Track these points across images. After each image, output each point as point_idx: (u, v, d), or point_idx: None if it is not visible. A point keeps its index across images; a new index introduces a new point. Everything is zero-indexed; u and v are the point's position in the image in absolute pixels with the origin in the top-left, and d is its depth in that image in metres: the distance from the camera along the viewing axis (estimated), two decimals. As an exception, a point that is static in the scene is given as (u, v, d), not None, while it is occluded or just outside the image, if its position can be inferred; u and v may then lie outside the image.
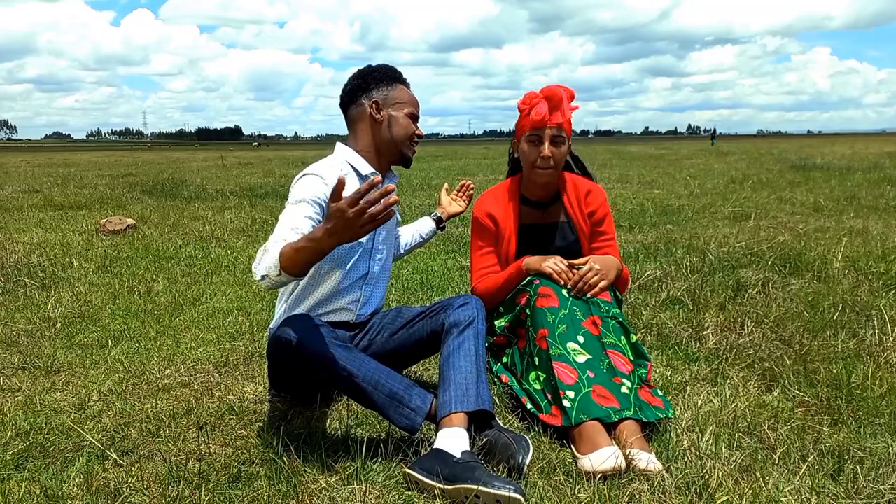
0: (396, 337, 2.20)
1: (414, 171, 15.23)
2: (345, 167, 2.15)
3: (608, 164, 18.38)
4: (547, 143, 2.28)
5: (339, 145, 2.22)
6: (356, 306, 2.21)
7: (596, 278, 2.19)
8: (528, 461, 1.70)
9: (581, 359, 1.99)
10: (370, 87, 2.18)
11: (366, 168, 2.17)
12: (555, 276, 2.19)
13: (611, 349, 2.04)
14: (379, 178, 1.72)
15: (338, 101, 2.26)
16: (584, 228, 2.41)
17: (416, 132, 2.22)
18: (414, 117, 2.21)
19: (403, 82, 2.23)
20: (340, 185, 1.60)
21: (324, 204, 1.97)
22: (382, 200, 1.60)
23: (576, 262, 2.26)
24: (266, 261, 1.75)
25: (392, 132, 2.17)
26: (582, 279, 2.18)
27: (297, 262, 1.69)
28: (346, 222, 1.59)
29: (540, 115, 2.26)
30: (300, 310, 2.15)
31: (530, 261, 2.28)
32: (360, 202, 1.58)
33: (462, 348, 1.95)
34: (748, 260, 4.28)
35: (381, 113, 2.16)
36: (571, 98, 2.31)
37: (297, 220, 1.88)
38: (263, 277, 1.76)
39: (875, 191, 8.77)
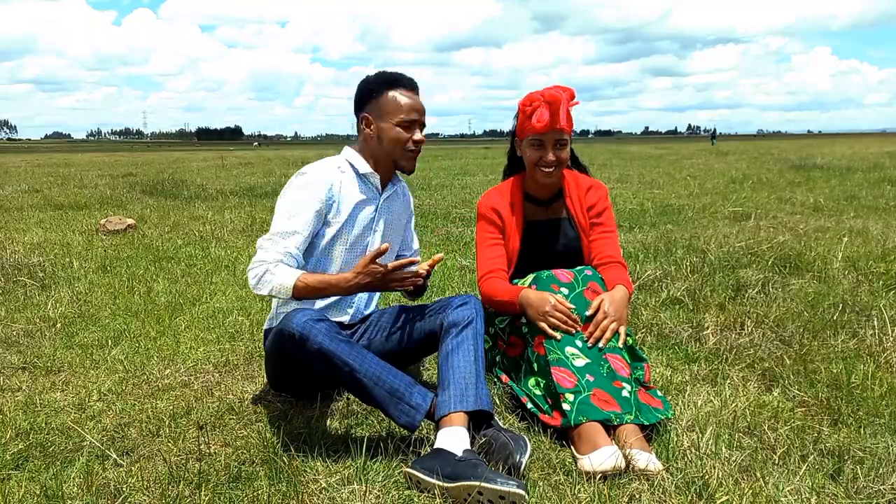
0: (395, 336, 2.22)
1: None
2: (344, 165, 2.22)
3: (608, 164, 18.37)
4: (550, 148, 2.27)
5: (346, 148, 2.28)
6: (351, 310, 2.28)
7: (613, 325, 2.07)
8: (525, 461, 1.70)
9: (580, 363, 1.99)
10: (363, 102, 2.20)
11: (364, 167, 2.21)
12: (558, 330, 2.05)
13: (609, 353, 2.04)
14: (414, 258, 2.12)
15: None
16: (584, 225, 2.41)
17: (413, 138, 2.15)
18: (409, 123, 2.14)
19: (399, 86, 2.16)
20: (380, 251, 1.93)
21: (322, 204, 2.11)
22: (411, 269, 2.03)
23: (590, 310, 2.10)
24: (275, 286, 1.99)
25: (383, 144, 2.17)
26: (598, 328, 2.06)
27: (311, 296, 2.05)
28: (380, 281, 1.98)
29: (542, 123, 2.23)
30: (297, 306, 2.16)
31: (527, 296, 2.14)
32: (394, 272, 1.97)
33: (461, 348, 1.95)
34: (748, 260, 4.28)
35: (371, 128, 2.18)
36: (571, 98, 2.28)
37: (290, 243, 2.05)
38: (269, 293, 2.01)
39: (875, 191, 8.77)
